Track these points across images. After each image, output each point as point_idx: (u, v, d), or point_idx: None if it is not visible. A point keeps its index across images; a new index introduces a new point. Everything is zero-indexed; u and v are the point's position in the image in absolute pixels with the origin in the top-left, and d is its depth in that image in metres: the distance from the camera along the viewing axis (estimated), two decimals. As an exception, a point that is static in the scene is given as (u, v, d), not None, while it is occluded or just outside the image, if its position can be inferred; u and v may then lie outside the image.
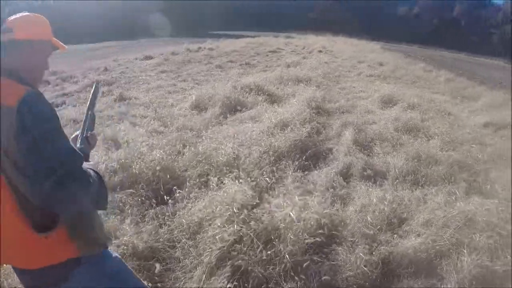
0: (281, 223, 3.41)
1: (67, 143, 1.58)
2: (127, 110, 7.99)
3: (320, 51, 26.14)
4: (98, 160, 4.62)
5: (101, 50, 29.04)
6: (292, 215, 3.40)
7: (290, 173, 4.79)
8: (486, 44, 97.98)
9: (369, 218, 3.77)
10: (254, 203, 3.83)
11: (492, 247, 3.56)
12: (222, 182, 4.23)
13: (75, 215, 1.59)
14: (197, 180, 4.55)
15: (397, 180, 4.86)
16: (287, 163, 5.09)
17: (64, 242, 1.59)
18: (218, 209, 3.60)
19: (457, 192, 4.62)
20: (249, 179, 4.27)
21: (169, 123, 6.87)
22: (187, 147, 5.40)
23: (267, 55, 22.17)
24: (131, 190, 4.28)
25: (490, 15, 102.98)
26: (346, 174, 5.06)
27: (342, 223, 3.77)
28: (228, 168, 4.64)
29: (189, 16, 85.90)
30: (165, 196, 4.20)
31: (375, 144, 6.09)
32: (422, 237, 3.55)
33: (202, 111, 7.87)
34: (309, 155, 5.52)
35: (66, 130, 5.83)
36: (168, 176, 4.60)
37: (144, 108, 8.30)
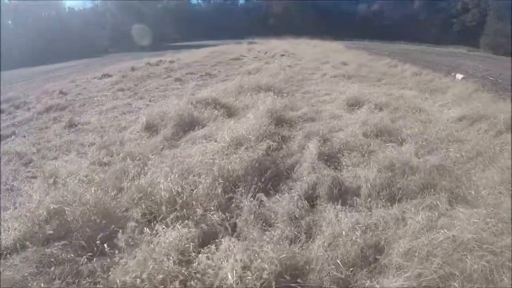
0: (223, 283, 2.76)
1: None
2: (76, 138, 7.38)
3: (283, 55, 25.92)
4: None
5: (62, 70, 28.30)
6: (234, 274, 2.74)
7: (246, 203, 4.13)
8: (447, 34, 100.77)
9: (339, 255, 3.14)
10: (195, 254, 3.17)
11: (487, 270, 3.06)
12: (163, 226, 3.56)
13: None
14: (139, 222, 3.88)
15: (370, 198, 4.30)
16: (243, 190, 4.42)
17: None
18: (151, 267, 2.93)
19: (439, 204, 4.12)
20: (194, 219, 3.62)
21: (115, 151, 6.14)
22: (130, 180, 4.69)
23: (229, 63, 21.83)
24: (64, 242, 3.64)
25: (450, 6, 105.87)
26: (311, 197, 4.44)
27: (307, 266, 3.12)
28: (170, 207, 3.97)
29: (151, 29, 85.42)
30: (103, 245, 3.55)
31: (342, 155, 5.53)
32: (404, 274, 2.94)
33: (154, 132, 7.20)
34: (269, 176, 4.88)
35: (9, 167, 4.86)
36: (106, 220, 3.93)
37: (94, 134, 7.65)
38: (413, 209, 4.01)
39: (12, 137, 8.34)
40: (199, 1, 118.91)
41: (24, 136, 8.28)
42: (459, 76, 17.04)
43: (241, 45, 39.99)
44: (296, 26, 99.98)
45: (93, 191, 4.30)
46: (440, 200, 4.21)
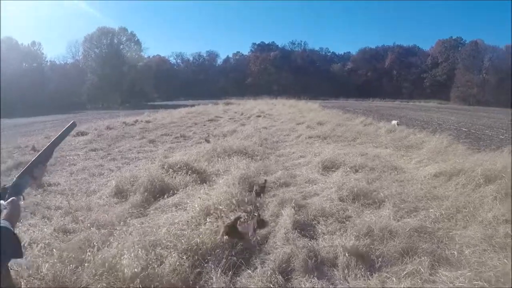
0: None
1: None
2: (42, 200, 6.98)
3: (259, 116, 26.71)
4: None
5: (37, 125, 28.26)
6: None
7: (215, 280, 3.91)
8: (418, 88, 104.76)
9: None
10: None
11: None
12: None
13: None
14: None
15: (347, 269, 4.12)
16: (212, 265, 4.20)
17: None
18: None
19: (422, 269, 4.01)
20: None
21: (81, 217, 5.84)
22: (93, 252, 4.42)
23: (205, 125, 22.15)
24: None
25: (420, 61, 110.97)
26: (286, 270, 4.23)
27: None
28: (133, 284, 3.74)
29: (130, 87, 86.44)
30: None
31: (318, 222, 5.40)
32: None
33: (123, 198, 6.95)
34: (240, 249, 4.67)
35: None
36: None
37: (61, 196, 7.26)
38: (394, 278, 3.87)
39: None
40: (178, 61, 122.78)
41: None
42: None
43: (218, 105, 41.09)
44: (273, 86, 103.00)
45: (52, 263, 4.04)
46: (422, 264, 4.10)
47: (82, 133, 17.45)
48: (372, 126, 17.48)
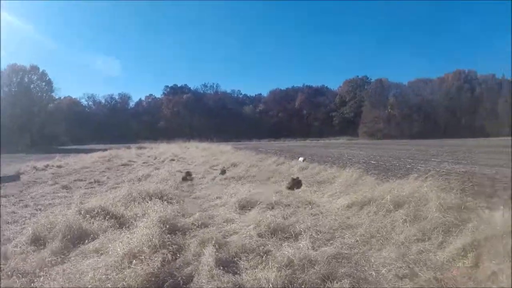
0: None
1: None
2: None
3: (173, 160, 27.03)
4: None
5: None
6: None
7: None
8: (328, 126, 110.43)
9: None
10: None
11: None
12: None
13: None
14: None
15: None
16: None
17: None
18: None
19: None
20: None
21: None
22: None
23: (118, 169, 21.80)
24: None
25: (328, 100, 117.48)
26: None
27: None
28: None
29: (40, 129, 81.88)
30: None
31: (240, 258, 5.55)
32: None
33: (42, 246, 6.59)
34: (167, 288, 4.71)
35: None
36: None
37: None
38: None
39: None
40: (90, 103, 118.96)
41: None
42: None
43: (131, 150, 40.97)
44: (186, 128, 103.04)
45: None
46: (343, 285, 4.41)
47: None
48: (285, 165, 18.16)
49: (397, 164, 18.11)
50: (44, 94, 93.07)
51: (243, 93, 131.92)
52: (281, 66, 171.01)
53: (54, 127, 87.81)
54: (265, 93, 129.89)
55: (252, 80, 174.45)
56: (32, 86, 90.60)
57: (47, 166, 22.38)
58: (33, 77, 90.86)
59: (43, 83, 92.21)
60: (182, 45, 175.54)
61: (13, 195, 12.65)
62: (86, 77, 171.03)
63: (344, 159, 22.81)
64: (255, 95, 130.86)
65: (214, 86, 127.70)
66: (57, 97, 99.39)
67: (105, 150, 38.13)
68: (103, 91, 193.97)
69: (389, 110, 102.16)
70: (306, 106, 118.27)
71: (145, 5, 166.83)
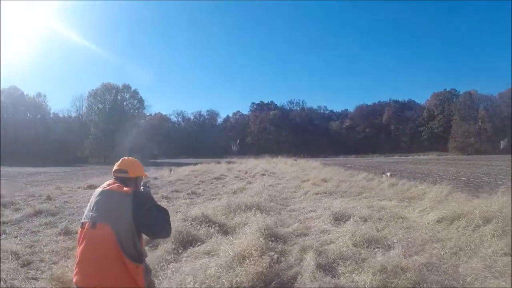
0: None
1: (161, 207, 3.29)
2: (73, 246, 7.40)
3: (263, 174, 27.54)
4: None
5: (43, 175, 28.90)
6: None
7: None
8: (416, 142, 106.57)
9: None
10: None
11: None
12: None
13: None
14: None
15: (371, 299, 4.89)
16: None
17: (139, 280, 2.98)
18: None
19: None
20: None
21: None
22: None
23: (212, 182, 22.80)
24: None
25: (416, 115, 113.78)
26: (316, 303, 4.99)
27: None
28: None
29: (132, 144, 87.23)
30: None
31: (338, 264, 6.17)
32: None
33: (154, 247, 7.55)
34: (275, 286, 5.46)
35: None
36: None
37: None
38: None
39: (3, 236, 8.73)
40: (179, 119, 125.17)
41: (16, 237, 8.69)
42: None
43: (221, 164, 42.60)
44: (272, 145, 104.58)
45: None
46: (432, 292, 4.88)
47: (91, 187, 18.36)
48: (375, 181, 18.23)
49: (488, 181, 17.63)
50: (136, 111, 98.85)
51: (329, 109, 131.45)
52: (367, 81, 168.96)
53: (145, 142, 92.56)
54: (351, 108, 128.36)
55: (338, 96, 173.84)
56: (124, 103, 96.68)
57: (143, 178, 23.99)
58: (125, 95, 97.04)
59: (135, 101, 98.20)
60: (268, 61, 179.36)
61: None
62: (176, 94, 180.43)
63: (433, 176, 22.42)
64: (341, 110, 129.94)
65: (300, 103, 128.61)
66: (148, 114, 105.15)
67: (196, 164, 39.74)
68: (192, 108, 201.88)
69: (480, 124, 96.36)
70: (394, 121, 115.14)
71: (231, 23, 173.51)
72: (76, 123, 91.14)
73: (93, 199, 3.10)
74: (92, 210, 3.01)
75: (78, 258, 2.98)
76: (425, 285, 5.09)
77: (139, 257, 3.02)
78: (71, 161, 64.85)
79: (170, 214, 3.28)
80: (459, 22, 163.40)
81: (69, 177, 29.42)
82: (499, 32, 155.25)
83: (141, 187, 3.51)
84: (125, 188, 3.07)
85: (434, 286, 5.05)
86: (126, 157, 3.44)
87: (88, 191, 17.35)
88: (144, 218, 2.97)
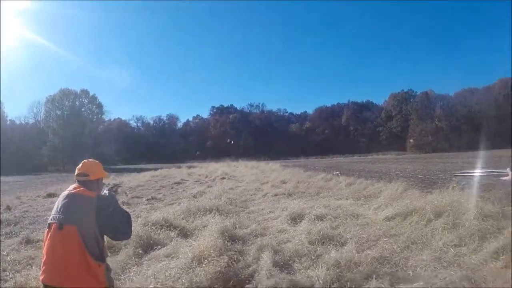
0: None
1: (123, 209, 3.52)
2: (36, 254, 7.39)
3: (223, 178, 27.68)
4: None
5: (3, 185, 28.27)
6: None
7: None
8: (375, 142, 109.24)
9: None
10: None
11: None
12: None
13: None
14: None
15: (324, 292, 5.05)
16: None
17: (100, 278, 3.16)
18: None
19: (383, 286, 5.07)
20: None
21: None
22: None
23: (172, 187, 22.71)
24: None
25: (375, 115, 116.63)
26: (272, 298, 5.14)
27: None
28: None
29: (92, 150, 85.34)
30: None
31: (294, 261, 6.34)
32: None
33: (114, 252, 7.53)
34: (232, 284, 5.61)
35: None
36: None
37: None
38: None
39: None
40: (139, 124, 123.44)
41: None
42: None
43: (181, 169, 42.27)
44: (233, 148, 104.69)
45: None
46: (383, 283, 5.13)
47: (51, 195, 18.08)
48: (333, 181, 18.58)
49: (444, 177, 18.32)
50: (95, 117, 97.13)
51: (288, 111, 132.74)
52: (325, 84, 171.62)
53: (104, 148, 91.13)
54: (310, 110, 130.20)
55: (297, 99, 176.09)
56: (83, 109, 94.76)
57: (102, 185, 23.65)
58: (84, 100, 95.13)
59: (94, 106, 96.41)
60: (227, 65, 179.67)
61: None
62: (135, 99, 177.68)
63: (391, 174, 23.07)
64: (301, 113, 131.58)
65: (260, 105, 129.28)
66: (107, 119, 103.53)
67: (156, 169, 39.73)
68: (152, 113, 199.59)
69: (437, 123, 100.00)
70: (353, 122, 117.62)
71: (188, 26, 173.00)
72: (34, 130, 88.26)
73: (59, 201, 3.29)
74: (59, 212, 3.20)
75: (44, 257, 3.17)
76: (377, 278, 5.29)
77: (101, 257, 3.24)
78: (29, 169, 62.83)
79: (132, 219, 3.50)
80: (415, 23, 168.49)
81: (28, 185, 28.86)
82: (455, 33, 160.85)
83: (106, 192, 3.68)
84: (89, 192, 3.31)
85: (386, 278, 5.27)
86: (86, 160, 3.62)
87: (48, 199, 17.05)
88: (107, 221, 3.23)
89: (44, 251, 3.20)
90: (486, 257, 5.82)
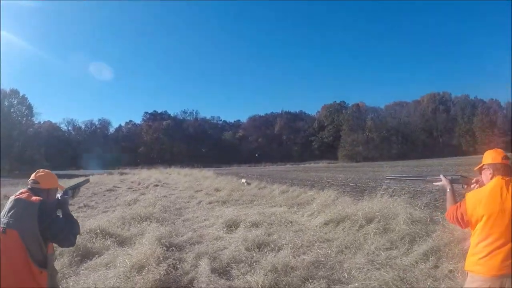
0: None
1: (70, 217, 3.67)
2: None
3: (156, 185, 27.37)
4: None
5: None
6: None
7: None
8: (308, 151, 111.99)
9: None
10: None
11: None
12: None
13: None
14: None
15: (262, 296, 5.21)
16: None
17: (42, 283, 3.17)
18: None
19: None
20: None
21: None
22: None
23: (105, 194, 22.18)
24: None
25: (307, 125, 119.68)
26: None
27: None
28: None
29: (19, 154, 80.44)
30: None
31: (231, 267, 6.44)
32: None
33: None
34: (175, 291, 5.60)
35: None
36: None
37: None
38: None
39: None
40: (70, 128, 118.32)
41: None
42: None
43: (113, 175, 41.60)
44: (166, 154, 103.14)
45: None
46: (320, 286, 5.39)
47: None
48: (267, 189, 18.96)
49: (374, 185, 19.14)
50: (24, 119, 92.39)
51: (222, 120, 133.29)
52: (259, 93, 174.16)
53: (34, 152, 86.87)
54: (244, 119, 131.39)
55: (231, 107, 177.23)
56: (12, 110, 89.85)
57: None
58: (13, 101, 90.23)
59: (23, 107, 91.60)
60: (162, 71, 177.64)
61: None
62: (65, 101, 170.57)
63: (323, 182, 23.77)
64: (234, 121, 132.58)
65: (194, 113, 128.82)
66: (37, 122, 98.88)
67: (87, 175, 37.92)
68: (83, 117, 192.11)
69: (367, 133, 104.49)
70: (285, 131, 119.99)
71: (129, 26, 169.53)
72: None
73: (6, 206, 3.31)
74: (4, 216, 3.23)
75: None
76: (313, 281, 5.52)
77: (44, 263, 3.26)
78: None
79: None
80: (349, 36, 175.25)
81: None
82: (387, 48, 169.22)
83: (60, 195, 3.84)
84: (33, 198, 3.30)
85: (322, 281, 5.51)
86: (41, 170, 3.74)
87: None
88: (49, 227, 3.24)
89: None
90: (417, 258, 6.23)
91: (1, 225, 3.17)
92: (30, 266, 3.13)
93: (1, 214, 3.29)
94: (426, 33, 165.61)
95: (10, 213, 3.21)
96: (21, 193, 3.38)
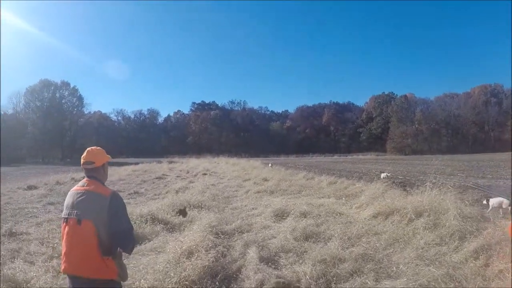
0: None
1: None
2: (20, 247, 7.44)
3: (205, 174, 27.73)
4: None
5: None
6: None
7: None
8: (355, 142, 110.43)
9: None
10: None
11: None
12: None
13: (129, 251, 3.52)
14: None
15: (311, 286, 5.24)
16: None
17: (112, 267, 3.26)
18: None
19: (368, 282, 5.21)
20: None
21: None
22: None
23: (154, 182, 22.72)
24: None
25: (355, 116, 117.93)
26: (261, 293, 5.27)
27: None
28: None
29: (72, 143, 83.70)
30: None
31: (280, 257, 6.48)
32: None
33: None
34: (220, 279, 5.70)
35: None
36: None
37: (39, 244, 7.75)
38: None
39: None
40: (119, 118, 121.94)
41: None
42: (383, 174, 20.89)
43: (162, 164, 42.42)
44: (214, 144, 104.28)
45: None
46: (368, 279, 5.29)
47: (32, 187, 17.99)
48: (315, 180, 18.87)
49: (423, 179, 18.68)
50: (75, 109, 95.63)
51: (270, 110, 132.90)
52: (308, 83, 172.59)
53: (84, 141, 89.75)
54: (292, 109, 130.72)
55: (279, 97, 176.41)
56: (63, 101, 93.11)
57: (83, 177, 23.55)
58: (64, 92, 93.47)
59: (74, 99, 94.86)
60: (210, 62, 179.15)
61: (58, 203, 13.61)
62: (116, 92, 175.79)
63: (371, 175, 23.43)
64: (282, 111, 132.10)
65: (242, 103, 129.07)
66: (87, 112, 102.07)
67: (137, 164, 39.62)
68: (132, 107, 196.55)
69: (416, 126, 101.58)
70: (333, 122, 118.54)
71: (172, 22, 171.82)
72: (13, 121, 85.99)
73: (73, 197, 3.49)
74: (75, 208, 3.39)
75: (64, 250, 3.39)
76: (361, 274, 5.48)
77: (110, 251, 3.33)
78: (7, 160, 61.33)
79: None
80: (399, 28, 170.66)
81: (6, 177, 28.30)
82: (439, 39, 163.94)
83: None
84: (103, 190, 3.50)
85: (370, 274, 5.46)
86: (90, 148, 3.78)
87: (28, 191, 16.95)
88: (112, 219, 3.35)
89: (63, 243, 3.42)
90: (466, 256, 6.03)
91: (73, 216, 3.37)
92: (100, 252, 3.28)
93: (68, 205, 3.48)
94: (477, 21, 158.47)
95: (83, 205, 3.38)
96: (88, 184, 3.57)
